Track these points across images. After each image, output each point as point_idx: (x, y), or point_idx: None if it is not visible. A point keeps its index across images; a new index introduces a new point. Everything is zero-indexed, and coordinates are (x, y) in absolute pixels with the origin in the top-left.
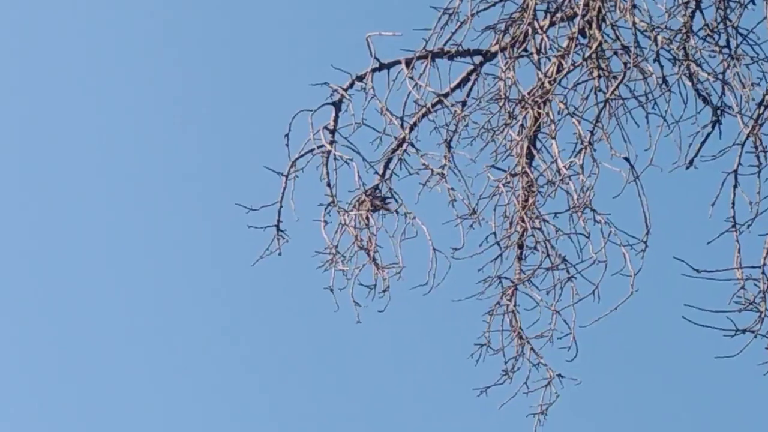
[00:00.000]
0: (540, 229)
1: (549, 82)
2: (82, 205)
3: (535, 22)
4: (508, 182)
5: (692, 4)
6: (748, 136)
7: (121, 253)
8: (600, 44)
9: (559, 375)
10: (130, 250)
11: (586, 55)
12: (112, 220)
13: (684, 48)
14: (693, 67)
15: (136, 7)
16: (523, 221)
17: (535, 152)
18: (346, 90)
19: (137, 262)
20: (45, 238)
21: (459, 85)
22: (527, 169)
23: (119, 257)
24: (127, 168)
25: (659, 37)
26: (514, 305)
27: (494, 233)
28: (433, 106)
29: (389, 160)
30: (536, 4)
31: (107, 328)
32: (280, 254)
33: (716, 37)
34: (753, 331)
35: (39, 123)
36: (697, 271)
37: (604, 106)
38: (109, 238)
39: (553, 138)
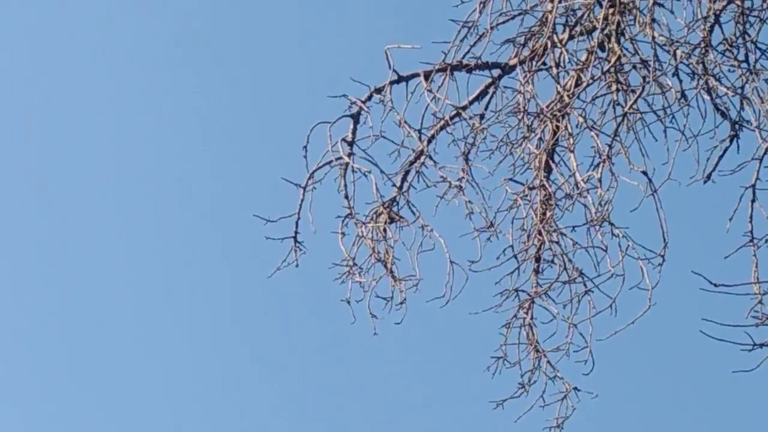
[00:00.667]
0: (557, 242)
1: (568, 96)
2: (99, 220)
3: (554, 36)
4: (526, 195)
5: (711, 19)
6: (766, 150)
7: (139, 265)
8: (619, 58)
9: (575, 388)
10: (148, 262)
11: (605, 68)
12: (129, 231)
13: (703, 62)
14: (712, 81)
15: (154, 19)
16: (540, 234)
17: (553, 165)
18: (364, 102)
19: (155, 274)
20: (63, 258)
21: (477, 98)
22: (545, 183)
23: (136, 269)
24: (145, 180)
25: (678, 52)
26: (531, 318)
27: (512, 246)
28: (452, 118)
29: (407, 172)
30: (555, 17)
31: (125, 340)
32: (297, 266)
33: (735, 51)
34: None
35: (59, 141)
36: (715, 285)
37: (623, 120)
38: (127, 249)
39: (572, 151)
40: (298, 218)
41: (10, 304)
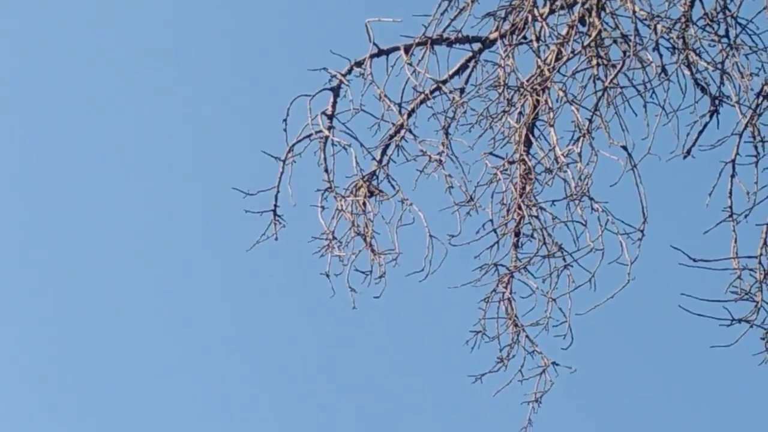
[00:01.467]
0: (537, 216)
1: (548, 70)
2: (77, 191)
3: (535, 10)
4: (506, 170)
5: None
6: (746, 126)
7: (117, 237)
8: (599, 32)
9: (554, 363)
10: (126, 234)
11: (586, 43)
12: (108, 203)
13: (683, 37)
14: (692, 56)
15: None
16: (520, 209)
17: (533, 140)
18: (344, 75)
19: (133, 246)
20: (38, 226)
21: (458, 72)
22: (525, 157)
23: (115, 241)
24: (124, 152)
25: (659, 26)
26: (510, 293)
27: (491, 220)
28: (432, 92)
29: (387, 146)
30: None
31: (103, 309)
32: (276, 239)
33: (715, 26)
34: (749, 321)
35: (29, 102)
36: (694, 260)
37: (603, 95)
38: (106, 221)
39: (552, 126)
40: (278, 191)
41: None
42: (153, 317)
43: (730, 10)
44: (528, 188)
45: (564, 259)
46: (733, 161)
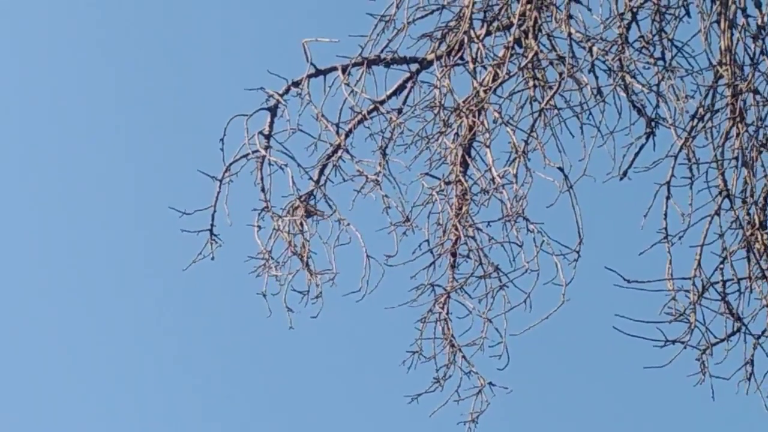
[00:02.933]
0: (473, 237)
1: (484, 91)
2: (12, 208)
3: (472, 31)
4: (442, 190)
5: (628, 16)
6: (681, 148)
7: (53, 258)
8: (536, 54)
9: (490, 383)
10: (61, 252)
11: (522, 64)
12: (43, 221)
13: (619, 59)
14: (628, 78)
15: (70, 6)
16: (456, 229)
17: (469, 161)
18: (282, 95)
19: (68, 263)
20: None
21: (395, 93)
22: (461, 178)
23: (50, 259)
24: (58, 169)
25: (594, 48)
26: (447, 313)
27: (427, 241)
28: (369, 113)
29: (324, 166)
30: (472, 13)
31: (37, 335)
32: (213, 259)
33: (651, 48)
34: (683, 342)
35: None
36: (628, 281)
37: (539, 116)
38: (40, 239)
39: (488, 147)
40: (215, 211)
41: None
42: (87, 336)
43: (666, 33)
44: (464, 209)
45: (500, 280)
46: (668, 183)
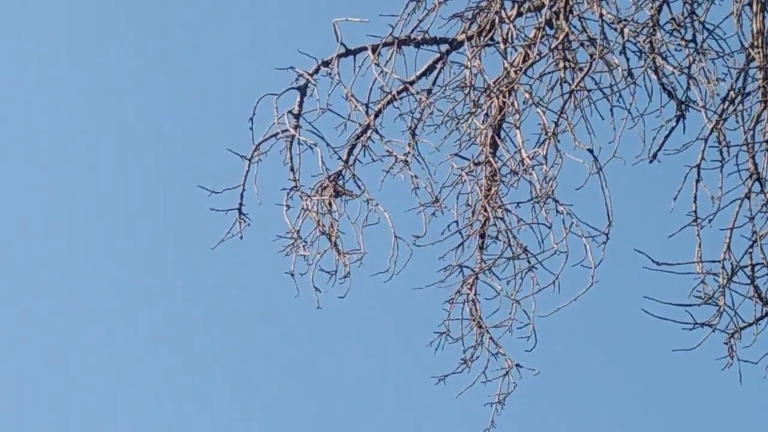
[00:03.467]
0: (502, 218)
1: (515, 72)
2: (40, 186)
3: (503, 12)
4: (472, 171)
5: None
6: (711, 130)
7: (81, 234)
8: (567, 35)
9: (517, 365)
10: (91, 231)
11: (553, 46)
12: (74, 201)
13: (650, 41)
14: (659, 60)
15: None
16: (485, 210)
17: (499, 141)
18: (311, 75)
19: (99, 246)
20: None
21: (425, 73)
22: (491, 159)
23: (79, 239)
24: (88, 148)
25: (626, 30)
26: (475, 294)
27: (456, 222)
28: (399, 93)
29: (353, 146)
30: None
31: (68, 314)
32: (241, 238)
33: (683, 31)
34: (711, 326)
35: None
36: (658, 263)
37: (569, 98)
38: (71, 219)
39: (518, 128)
40: (243, 190)
41: None
42: (115, 315)
43: (697, 15)
44: (493, 190)
45: (528, 261)
46: (699, 166)
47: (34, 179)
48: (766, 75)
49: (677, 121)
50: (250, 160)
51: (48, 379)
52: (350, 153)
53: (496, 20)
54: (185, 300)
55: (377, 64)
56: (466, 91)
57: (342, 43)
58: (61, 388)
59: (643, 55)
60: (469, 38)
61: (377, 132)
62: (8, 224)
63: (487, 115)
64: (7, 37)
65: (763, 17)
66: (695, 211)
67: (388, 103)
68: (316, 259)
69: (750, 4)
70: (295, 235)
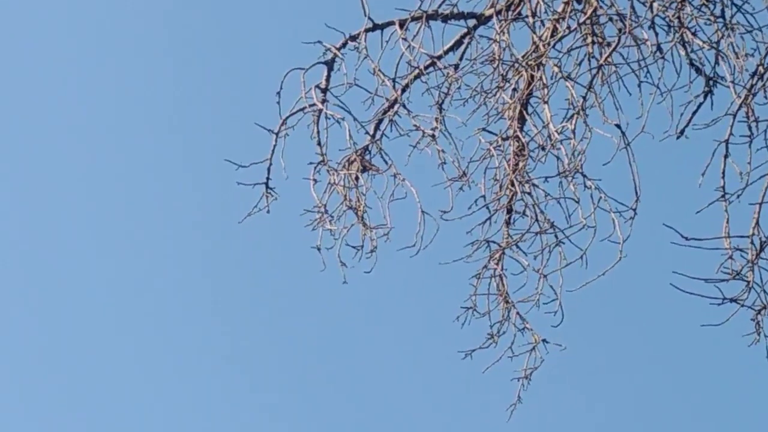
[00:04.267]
0: (529, 193)
1: (543, 45)
2: (67, 159)
3: None
4: (499, 146)
5: None
6: (740, 106)
7: (106, 209)
8: (595, 10)
9: (544, 340)
10: (118, 205)
11: (581, 20)
12: (100, 175)
13: (679, 16)
14: (687, 35)
15: None
16: (512, 185)
17: (527, 116)
18: (339, 49)
19: (124, 218)
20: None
21: (452, 48)
22: (518, 133)
23: (104, 214)
24: (116, 123)
25: (654, 4)
26: (502, 269)
27: (483, 196)
28: (426, 67)
29: (380, 120)
30: None
31: (91, 283)
32: (268, 212)
33: (711, 6)
34: (739, 302)
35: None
36: (686, 238)
37: (597, 72)
38: (96, 194)
39: (546, 102)
40: (270, 164)
41: None
42: (142, 289)
43: None
44: (521, 165)
45: (556, 236)
46: (727, 141)
47: (56, 153)
48: None
49: (705, 98)
50: (277, 135)
51: (76, 353)
52: (377, 127)
53: None
54: (211, 274)
55: (405, 39)
56: (494, 65)
57: (369, 18)
58: (92, 360)
59: (671, 29)
60: (498, 12)
61: (404, 106)
62: (32, 201)
63: (515, 89)
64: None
65: None
66: (723, 187)
67: (416, 77)
68: (342, 233)
69: None
70: (322, 210)
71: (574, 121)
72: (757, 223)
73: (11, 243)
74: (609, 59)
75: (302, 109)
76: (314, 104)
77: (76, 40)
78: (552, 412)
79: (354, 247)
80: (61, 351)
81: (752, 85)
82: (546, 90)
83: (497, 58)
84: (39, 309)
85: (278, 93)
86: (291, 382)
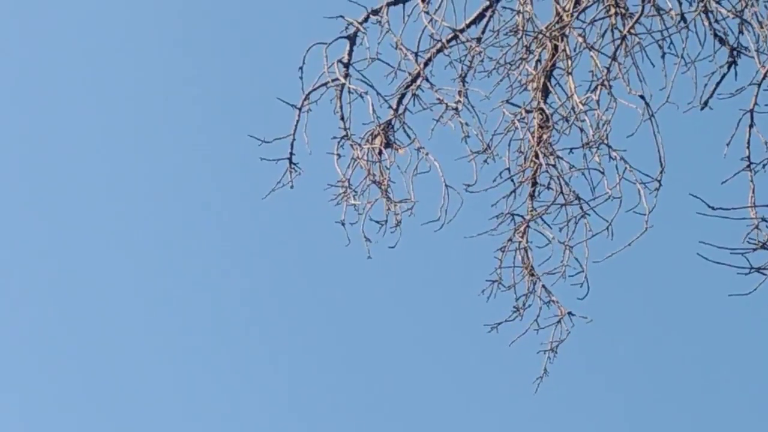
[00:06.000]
0: (554, 165)
1: (567, 16)
2: (94, 146)
3: None
4: (523, 118)
5: None
6: (765, 75)
7: (130, 185)
8: None
9: (570, 313)
10: (140, 182)
11: None
12: (122, 151)
13: None
14: (711, 3)
15: None
16: (537, 157)
17: (550, 87)
18: (361, 23)
19: (146, 192)
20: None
21: (475, 21)
22: (542, 105)
23: (127, 190)
24: (140, 101)
25: None
26: (527, 242)
27: (508, 169)
28: (449, 41)
29: (403, 94)
30: None
31: (115, 259)
32: (292, 187)
33: None
34: (766, 271)
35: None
36: (713, 208)
37: (621, 43)
38: (118, 173)
39: (569, 74)
40: (294, 139)
41: None
42: (166, 266)
43: None
44: (545, 136)
45: (581, 208)
46: (752, 111)
47: (82, 135)
48: None
49: (729, 68)
50: (300, 109)
51: (107, 328)
52: (400, 102)
53: None
54: (235, 250)
55: (427, 12)
56: (517, 37)
57: None
58: (123, 335)
59: None
60: None
61: (427, 80)
62: (60, 180)
63: (538, 61)
64: None
65: None
66: (748, 157)
67: (438, 51)
68: (366, 208)
69: None
70: (346, 184)
71: (598, 92)
72: None
73: (36, 226)
74: (632, 30)
75: (325, 84)
76: (337, 79)
77: (96, 16)
78: (578, 384)
79: (378, 222)
80: (80, 341)
81: None
82: (569, 61)
83: (520, 29)
84: (60, 285)
85: (301, 68)
86: (316, 358)
